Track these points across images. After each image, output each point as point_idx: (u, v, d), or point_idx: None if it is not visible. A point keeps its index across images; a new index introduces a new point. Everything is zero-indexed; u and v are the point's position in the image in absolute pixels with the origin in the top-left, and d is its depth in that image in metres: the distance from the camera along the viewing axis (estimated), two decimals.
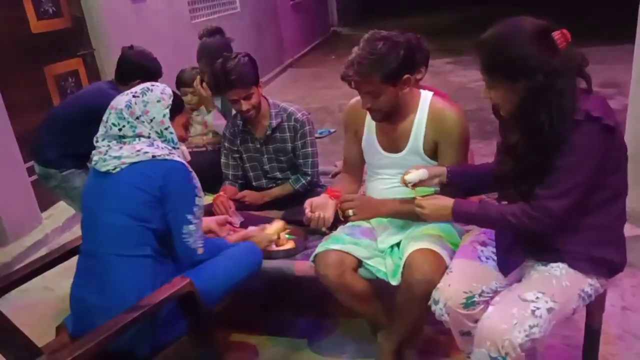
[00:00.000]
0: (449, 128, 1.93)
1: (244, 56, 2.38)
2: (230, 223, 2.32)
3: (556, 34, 1.49)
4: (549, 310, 1.51)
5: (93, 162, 1.77)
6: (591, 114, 1.44)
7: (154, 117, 1.77)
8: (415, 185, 1.82)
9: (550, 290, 1.55)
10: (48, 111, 3.00)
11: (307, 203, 2.02)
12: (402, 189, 1.90)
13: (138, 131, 1.75)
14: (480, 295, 1.71)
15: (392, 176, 2.06)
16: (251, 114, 2.43)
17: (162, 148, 1.76)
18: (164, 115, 1.78)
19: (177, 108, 1.85)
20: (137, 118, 1.75)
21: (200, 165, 2.88)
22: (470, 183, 1.87)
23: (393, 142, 2.04)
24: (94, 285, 1.71)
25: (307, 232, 2.30)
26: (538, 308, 1.50)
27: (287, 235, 2.29)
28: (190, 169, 1.80)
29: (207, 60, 2.90)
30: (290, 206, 2.51)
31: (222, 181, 2.68)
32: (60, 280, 2.75)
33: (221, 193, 2.52)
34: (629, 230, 2.53)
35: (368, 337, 2.25)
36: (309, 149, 2.54)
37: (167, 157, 1.74)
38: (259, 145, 2.56)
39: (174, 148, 1.81)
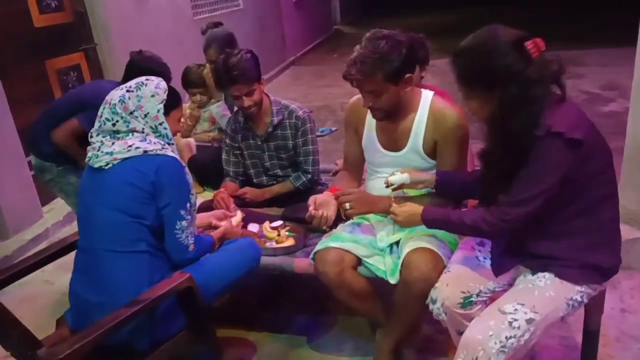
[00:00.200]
0: (449, 128, 1.94)
1: (246, 52, 2.39)
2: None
3: (529, 44, 1.51)
4: (529, 321, 1.53)
5: (87, 158, 1.77)
6: (551, 129, 1.45)
7: (148, 112, 1.75)
8: (396, 188, 1.91)
9: (530, 301, 1.57)
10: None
11: (311, 200, 2.03)
12: None
13: (132, 126, 1.73)
14: (477, 295, 1.73)
15: None
16: (252, 111, 2.43)
17: (155, 143, 1.74)
18: (158, 111, 1.76)
19: (172, 103, 1.83)
20: (131, 113, 1.73)
21: (203, 160, 2.91)
22: (458, 190, 1.91)
23: (393, 141, 2.05)
24: (91, 281, 1.72)
25: (307, 229, 2.30)
26: (516, 319, 1.53)
27: (287, 233, 2.29)
28: (184, 164, 1.79)
29: (217, 47, 2.99)
30: (290, 203, 2.51)
31: (222, 177, 2.68)
32: (60, 274, 2.76)
33: (222, 189, 2.52)
34: (627, 232, 2.55)
35: (367, 335, 2.26)
36: (310, 147, 2.54)
37: (159, 152, 1.72)
38: (260, 142, 2.56)
39: (167, 143, 1.79)
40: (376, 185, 2.11)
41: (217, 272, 1.84)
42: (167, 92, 1.81)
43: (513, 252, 1.69)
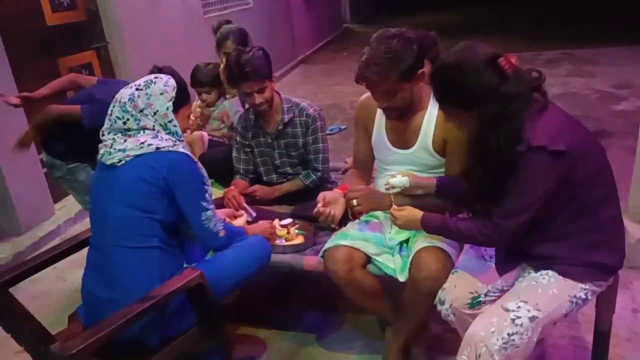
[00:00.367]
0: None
1: (258, 50, 2.40)
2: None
3: (502, 61, 1.50)
4: (532, 318, 1.53)
5: (99, 155, 1.79)
6: (532, 144, 1.44)
7: (158, 110, 1.76)
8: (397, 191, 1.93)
9: (533, 298, 1.57)
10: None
11: (320, 197, 2.03)
12: None
13: (142, 124, 1.75)
14: (486, 295, 1.73)
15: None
16: (264, 108, 2.44)
17: (167, 140, 1.76)
18: (167, 108, 1.78)
19: (181, 100, 1.84)
20: (141, 111, 1.74)
21: (214, 158, 2.92)
22: (457, 196, 1.91)
23: (403, 139, 2.04)
24: (103, 277, 1.73)
25: (317, 227, 2.31)
26: (519, 317, 1.53)
27: (296, 231, 2.30)
28: (195, 160, 1.81)
29: (235, 38, 3.06)
30: (300, 201, 2.52)
31: (233, 175, 2.69)
32: (72, 271, 2.79)
33: (232, 187, 2.53)
34: (637, 231, 2.53)
35: (376, 333, 2.26)
36: (320, 145, 2.54)
37: (171, 149, 1.74)
38: (270, 140, 2.57)
39: (178, 140, 1.81)
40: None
41: (228, 269, 1.85)
42: (175, 89, 1.82)
43: (516, 252, 1.69)
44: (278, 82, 3.66)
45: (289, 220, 2.36)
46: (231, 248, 1.91)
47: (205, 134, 3.13)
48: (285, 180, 2.64)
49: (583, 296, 1.61)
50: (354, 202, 1.94)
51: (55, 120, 2.58)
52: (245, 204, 2.41)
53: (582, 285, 1.60)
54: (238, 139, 2.64)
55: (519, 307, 1.55)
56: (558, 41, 8.84)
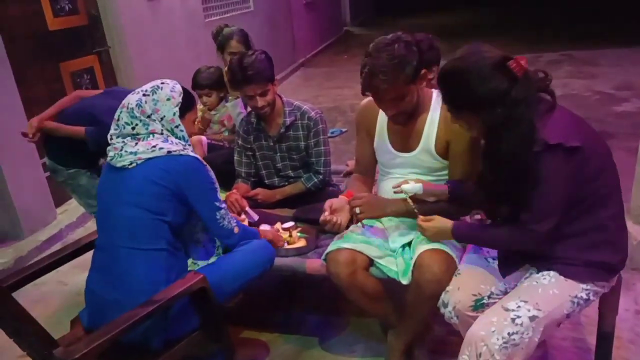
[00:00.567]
0: (461, 128, 1.93)
1: (261, 53, 2.40)
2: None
3: (512, 63, 1.50)
4: (532, 318, 1.53)
5: (108, 158, 1.80)
6: (548, 142, 1.45)
7: (164, 116, 1.79)
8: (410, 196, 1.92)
9: (533, 298, 1.57)
10: None
11: (327, 204, 2.03)
12: None
13: (151, 128, 1.77)
14: (489, 297, 1.73)
15: (403, 175, 2.06)
16: (266, 111, 2.44)
17: (177, 144, 1.79)
18: (174, 114, 1.80)
19: (187, 105, 1.87)
20: (149, 116, 1.77)
21: (215, 161, 2.92)
22: (468, 201, 1.92)
23: (405, 142, 2.04)
24: (109, 279, 1.74)
25: (319, 230, 2.31)
26: (519, 316, 1.53)
27: (298, 234, 2.30)
28: (205, 163, 1.83)
29: (239, 37, 3.07)
30: (301, 204, 2.52)
31: (235, 178, 2.69)
32: (74, 275, 2.79)
33: (234, 191, 2.53)
34: None
35: (378, 336, 2.25)
36: (322, 148, 2.54)
37: (182, 153, 1.77)
38: (272, 143, 2.57)
39: (186, 144, 1.83)
40: (388, 187, 2.11)
41: (231, 272, 1.86)
42: (182, 95, 1.84)
43: (518, 254, 1.70)
44: (279, 85, 3.67)
45: (290, 224, 2.37)
46: (234, 252, 1.92)
47: (204, 138, 3.14)
48: (286, 183, 2.64)
49: (584, 296, 1.61)
50: (357, 209, 1.94)
51: (49, 133, 2.64)
52: (247, 207, 2.42)
53: (584, 286, 1.60)
54: (240, 142, 2.65)
55: (519, 306, 1.55)
56: (558, 43, 8.85)
